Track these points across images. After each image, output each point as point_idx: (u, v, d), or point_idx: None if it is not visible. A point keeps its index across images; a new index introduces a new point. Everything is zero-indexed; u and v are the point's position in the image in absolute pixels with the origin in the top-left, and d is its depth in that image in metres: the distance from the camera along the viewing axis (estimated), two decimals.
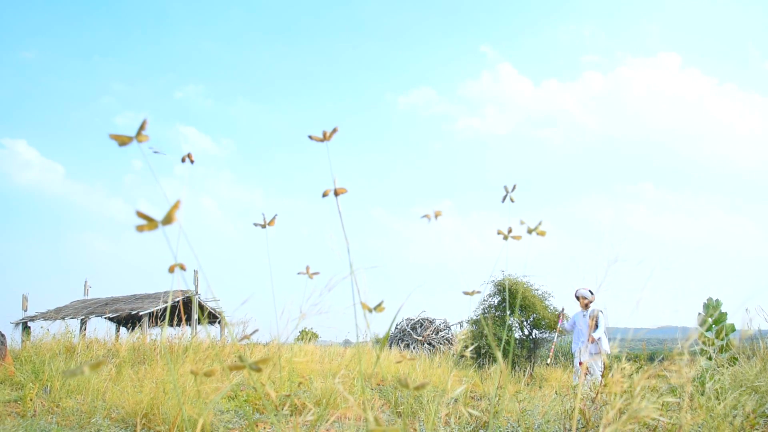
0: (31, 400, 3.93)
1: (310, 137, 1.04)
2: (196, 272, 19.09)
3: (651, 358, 5.53)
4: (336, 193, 1.06)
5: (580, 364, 7.68)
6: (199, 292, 18.36)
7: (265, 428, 3.58)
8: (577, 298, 7.73)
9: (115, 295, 19.16)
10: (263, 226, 0.91)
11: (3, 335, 4.89)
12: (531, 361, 11.48)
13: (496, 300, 11.75)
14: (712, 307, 6.28)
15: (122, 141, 0.87)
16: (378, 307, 1.10)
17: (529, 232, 1.34)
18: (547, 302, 11.37)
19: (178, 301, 17.81)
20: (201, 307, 18.60)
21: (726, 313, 6.12)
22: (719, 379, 3.12)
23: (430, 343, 14.00)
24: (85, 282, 19.67)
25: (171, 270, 0.91)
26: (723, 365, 4.40)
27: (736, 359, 5.04)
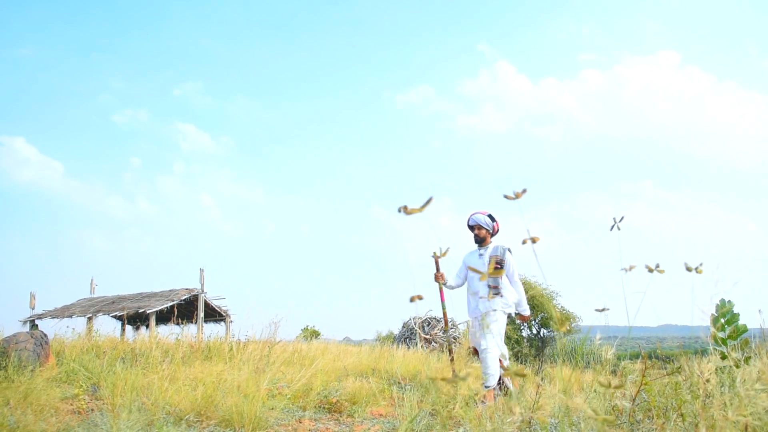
0: (80, 397, 4.09)
1: (505, 197, 1.21)
2: (201, 270, 19.24)
3: (656, 357, 5.71)
4: (533, 241, 1.24)
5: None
6: (205, 290, 18.50)
7: (310, 425, 3.76)
8: (471, 227, 4.78)
9: (122, 293, 19.31)
10: (435, 256, 1.07)
11: (45, 335, 5.04)
12: (540, 359, 11.73)
13: None
14: (724, 307, 6.51)
15: (411, 212, 1.04)
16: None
17: (656, 271, 1.51)
18: (555, 301, 11.67)
19: (184, 299, 17.95)
20: (206, 304, 18.75)
21: (738, 314, 6.36)
22: (746, 379, 3.28)
23: (437, 341, 14.20)
24: (92, 280, 19.84)
25: (413, 300, 1.07)
26: (739, 364, 4.59)
27: (750, 358, 5.24)
